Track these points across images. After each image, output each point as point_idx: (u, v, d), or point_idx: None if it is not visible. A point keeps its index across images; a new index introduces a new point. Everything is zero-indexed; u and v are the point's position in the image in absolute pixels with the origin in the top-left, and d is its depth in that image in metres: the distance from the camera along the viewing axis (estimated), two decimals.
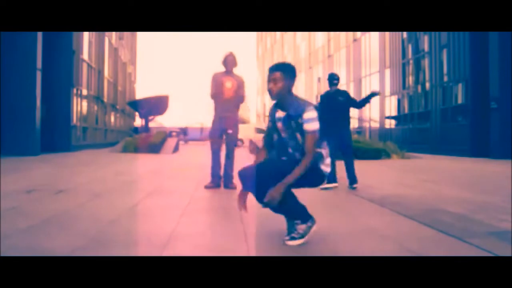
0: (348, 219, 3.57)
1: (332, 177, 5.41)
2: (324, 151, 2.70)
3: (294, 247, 2.57)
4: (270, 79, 2.65)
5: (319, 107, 5.72)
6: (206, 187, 5.28)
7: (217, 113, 5.35)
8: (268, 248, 2.54)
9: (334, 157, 5.56)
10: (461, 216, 3.60)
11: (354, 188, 5.39)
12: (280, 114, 2.70)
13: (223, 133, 5.35)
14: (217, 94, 5.29)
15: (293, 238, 2.64)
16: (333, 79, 5.66)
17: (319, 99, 5.90)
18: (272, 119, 2.76)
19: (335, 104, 5.58)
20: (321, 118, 2.60)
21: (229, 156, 5.33)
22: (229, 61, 5.34)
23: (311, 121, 2.58)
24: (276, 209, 2.62)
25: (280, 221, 2.84)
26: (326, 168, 2.70)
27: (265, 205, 2.55)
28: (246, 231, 2.98)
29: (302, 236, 2.64)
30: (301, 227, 2.65)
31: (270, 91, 2.65)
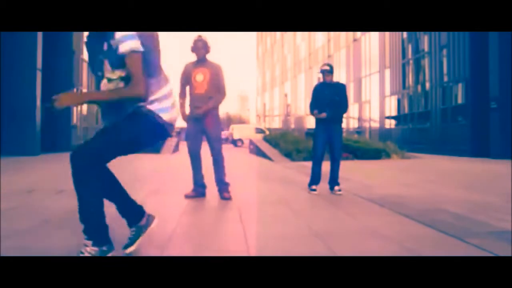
0: (348, 219, 3.57)
1: (316, 178, 5.11)
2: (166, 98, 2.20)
3: None
4: None
5: (312, 99, 5.24)
6: (187, 196, 4.51)
7: (191, 111, 4.51)
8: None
9: (322, 156, 5.15)
10: (461, 216, 3.60)
11: (336, 191, 4.97)
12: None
13: (202, 134, 4.53)
14: (187, 89, 4.54)
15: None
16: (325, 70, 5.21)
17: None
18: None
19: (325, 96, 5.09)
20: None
21: (217, 160, 4.53)
22: (199, 47, 4.39)
23: (126, 39, 2.06)
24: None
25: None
26: (167, 115, 2.18)
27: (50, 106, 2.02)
28: (245, 230, 2.98)
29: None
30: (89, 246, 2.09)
31: None
